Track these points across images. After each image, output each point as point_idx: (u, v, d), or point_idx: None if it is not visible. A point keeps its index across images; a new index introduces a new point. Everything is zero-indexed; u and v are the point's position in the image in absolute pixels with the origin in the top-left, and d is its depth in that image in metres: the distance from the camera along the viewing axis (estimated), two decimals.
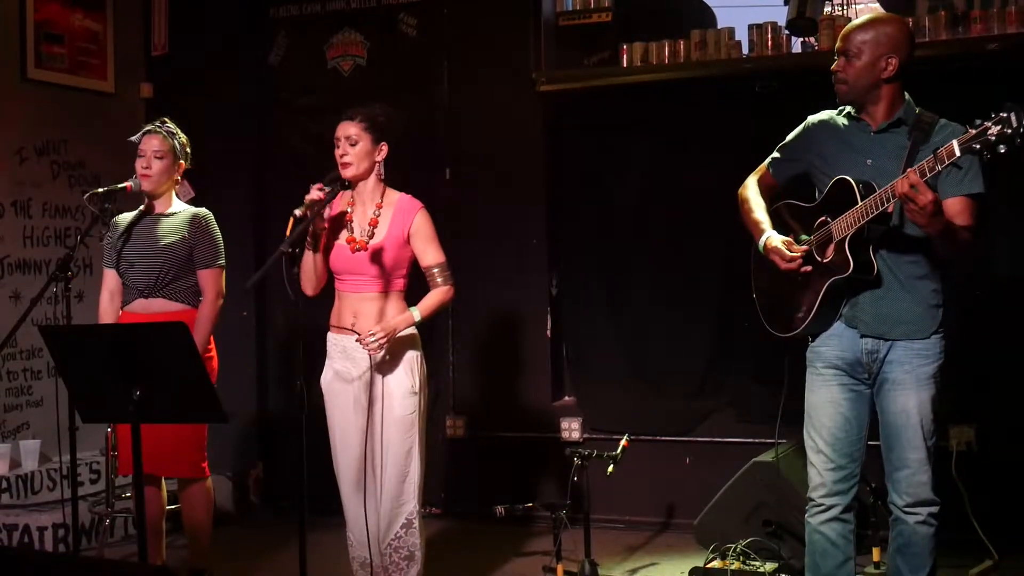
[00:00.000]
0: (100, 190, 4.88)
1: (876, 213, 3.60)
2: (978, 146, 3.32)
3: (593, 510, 5.34)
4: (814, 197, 3.98)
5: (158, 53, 7.22)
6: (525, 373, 6.59)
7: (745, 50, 6.08)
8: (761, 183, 4.10)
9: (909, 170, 3.48)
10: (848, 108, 3.90)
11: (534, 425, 6.52)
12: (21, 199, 6.43)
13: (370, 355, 4.26)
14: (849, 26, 3.84)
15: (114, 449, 5.22)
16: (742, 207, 4.10)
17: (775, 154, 4.10)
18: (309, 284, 4.38)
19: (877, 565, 5.06)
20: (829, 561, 3.88)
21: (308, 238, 4.27)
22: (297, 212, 4.12)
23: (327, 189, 4.21)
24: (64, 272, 4.63)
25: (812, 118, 4.02)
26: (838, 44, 3.83)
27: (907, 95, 3.82)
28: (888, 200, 3.56)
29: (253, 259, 6.58)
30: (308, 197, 4.17)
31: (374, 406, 4.35)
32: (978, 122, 3.34)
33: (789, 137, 4.07)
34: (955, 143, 3.37)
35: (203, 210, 4.96)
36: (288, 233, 4.06)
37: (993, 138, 3.29)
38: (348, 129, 4.35)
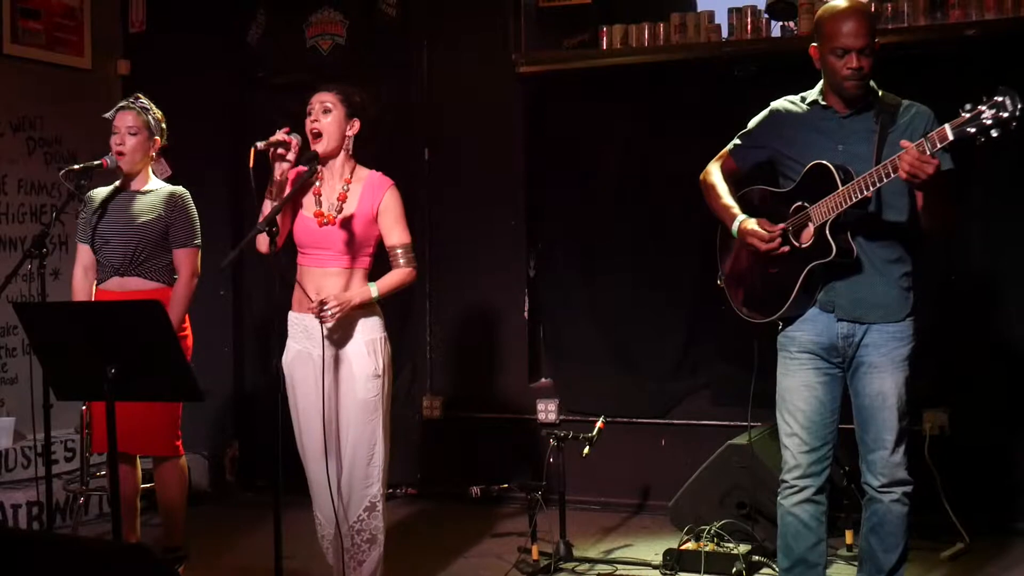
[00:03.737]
0: (76, 167, 4.83)
1: (860, 197, 3.61)
2: (972, 130, 3.34)
3: (569, 491, 5.36)
4: (777, 183, 3.98)
5: (136, 30, 7.17)
6: (502, 354, 6.59)
7: (725, 34, 6.07)
8: (723, 169, 4.09)
9: (910, 145, 3.45)
10: (813, 95, 3.89)
11: (510, 406, 6.53)
12: None
13: (322, 325, 4.16)
14: (863, 18, 3.72)
15: (89, 427, 5.21)
16: (708, 193, 4.08)
17: (736, 141, 4.09)
18: (265, 241, 4.01)
19: (849, 547, 5.10)
20: (802, 543, 3.90)
21: (271, 186, 4.20)
22: (259, 144, 4.09)
23: (295, 138, 4.18)
24: (39, 249, 4.59)
25: (775, 104, 4.01)
26: (863, 41, 3.69)
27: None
28: (881, 180, 3.55)
29: (230, 237, 6.54)
30: (273, 137, 4.14)
31: (337, 387, 4.30)
32: (969, 106, 3.35)
33: (752, 123, 4.06)
34: (948, 127, 3.39)
35: (180, 188, 4.94)
36: (252, 164, 4.02)
37: (989, 122, 3.31)
38: (323, 97, 4.30)
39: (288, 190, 4.22)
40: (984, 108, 3.32)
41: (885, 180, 3.55)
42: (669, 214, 6.19)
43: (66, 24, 6.77)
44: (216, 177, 6.79)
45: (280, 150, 4.16)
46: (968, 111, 3.35)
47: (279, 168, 4.20)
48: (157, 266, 4.84)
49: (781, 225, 3.83)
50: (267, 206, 4.21)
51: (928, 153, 3.42)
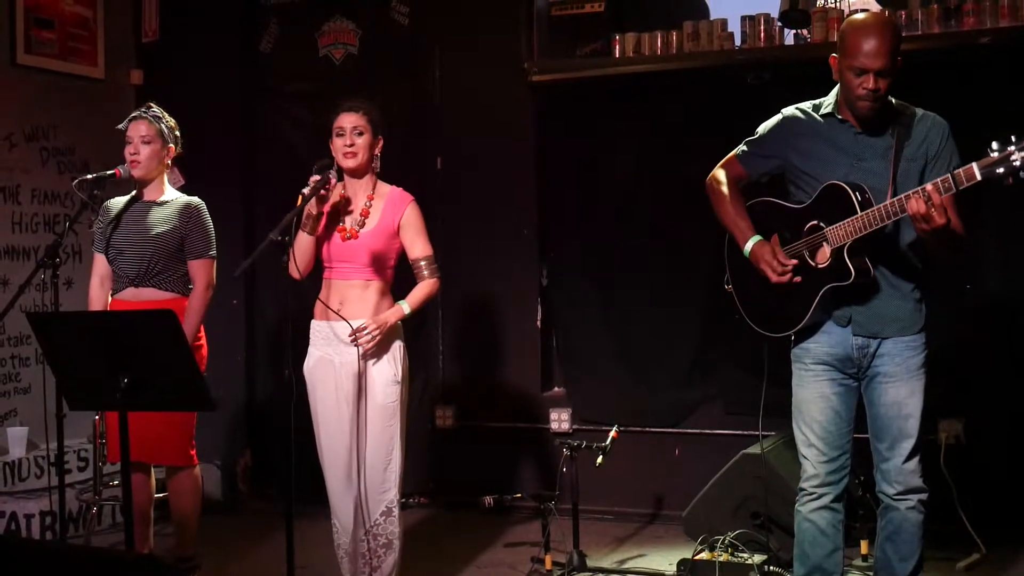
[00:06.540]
0: (89, 176, 4.85)
1: (879, 227, 3.59)
2: (1001, 171, 3.31)
3: (582, 501, 5.34)
4: (786, 192, 3.96)
5: (148, 40, 7.19)
6: (515, 363, 6.58)
7: (738, 41, 6.06)
8: (730, 175, 4.04)
9: (921, 189, 3.46)
10: (828, 106, 3.84)
11: (523, 415, 6.51)
12: (10, 185, 6.40)
13: (360, 348, 4.28)
14: (886, 37, 3.63)
15: (102, 436, 5.21)
16: (716, 200, 4.04)
17: (744, 147, 4.04)
18: (302, 265, 4.33)
19: (865, 558, 5.07)
20: (818, 550, 3.89)
21: (306, 220, 4.31)
22: (305, 191, 4.22)
23: (333, 177, 4.27)
24: (52, 259, 4.61)
25: (787, 112, 3.96)
26: (882, 63, 3.59)
27: None
28: (895, 215, 3.54)
29: (242, 247, 6.54)
30: (314, 178, 4.22)
31: (357, 393, 4.37)
32: (997, 145, 3.31)
33: (762, 130, 4.01)
34: (976, 167, 3.36)
35: (196, 199, 4.93)
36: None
37: (1018, 163, 3.28)
38: (354, 120, 4.41)
39: (304, 198, 4.26)
40: (1014, 149, 3.28)
41: (903, 214, 3.52)
42: (681, 223, 6.17)
43: (79, 34, 6.79)
44: (228, 186, 6.81)
45: (322, 191, 4.28)
46: (997, 151, 3.31)
47: (315, 203, 4.29)
48: (172, 277, 4.84)
49: (794, 261, 3.79)
50: (303, 238, 4.33)
51: (954, 190, 3.40)
